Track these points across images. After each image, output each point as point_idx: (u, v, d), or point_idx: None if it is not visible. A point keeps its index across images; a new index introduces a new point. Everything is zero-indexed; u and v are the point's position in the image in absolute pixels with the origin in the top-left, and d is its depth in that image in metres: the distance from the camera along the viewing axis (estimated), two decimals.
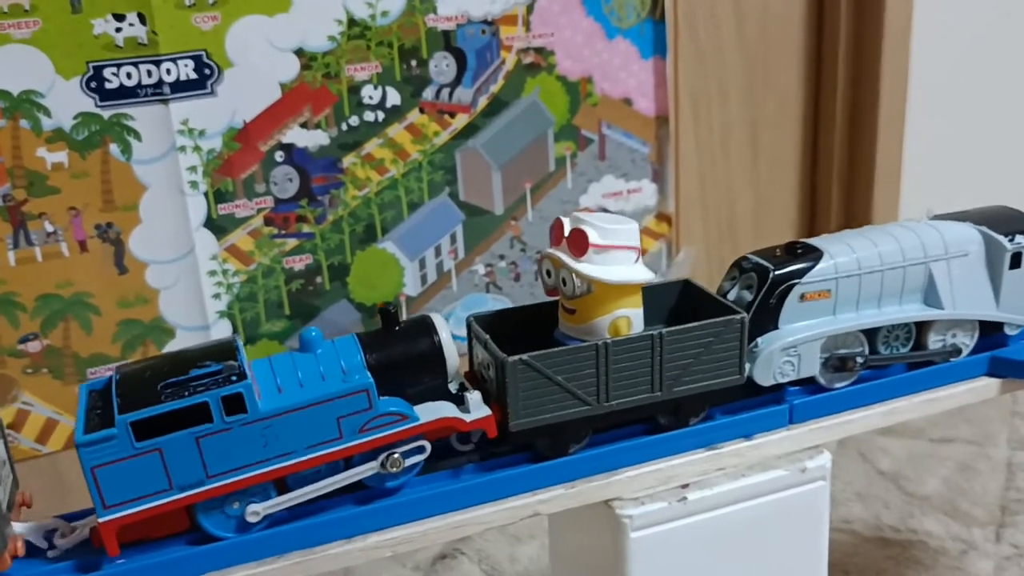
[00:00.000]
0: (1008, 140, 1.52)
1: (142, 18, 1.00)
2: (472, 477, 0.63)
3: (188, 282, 1.10)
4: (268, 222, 1.12)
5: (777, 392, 0.70)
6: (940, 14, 1.37)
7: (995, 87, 1.48)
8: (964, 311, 0.72)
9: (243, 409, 0.55)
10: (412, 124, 1.15)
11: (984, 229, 0.73)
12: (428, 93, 1.15)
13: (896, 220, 1.38)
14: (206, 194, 1.08)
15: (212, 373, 0.56)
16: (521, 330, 0.66)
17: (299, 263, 1.14)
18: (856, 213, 1.40)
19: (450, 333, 0.62)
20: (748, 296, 0.68)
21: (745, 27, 1.31)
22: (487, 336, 0.63)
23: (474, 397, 0.61)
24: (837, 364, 0.70)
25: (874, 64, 1.33)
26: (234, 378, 0.55)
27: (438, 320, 0.63)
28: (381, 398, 0.58)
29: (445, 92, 1.16)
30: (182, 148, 1.06)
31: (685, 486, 0.66)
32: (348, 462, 0.60)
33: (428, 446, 0.60)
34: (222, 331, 1.12)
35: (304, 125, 1.10)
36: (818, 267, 0.68)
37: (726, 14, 1.29)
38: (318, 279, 1.16)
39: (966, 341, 0.74)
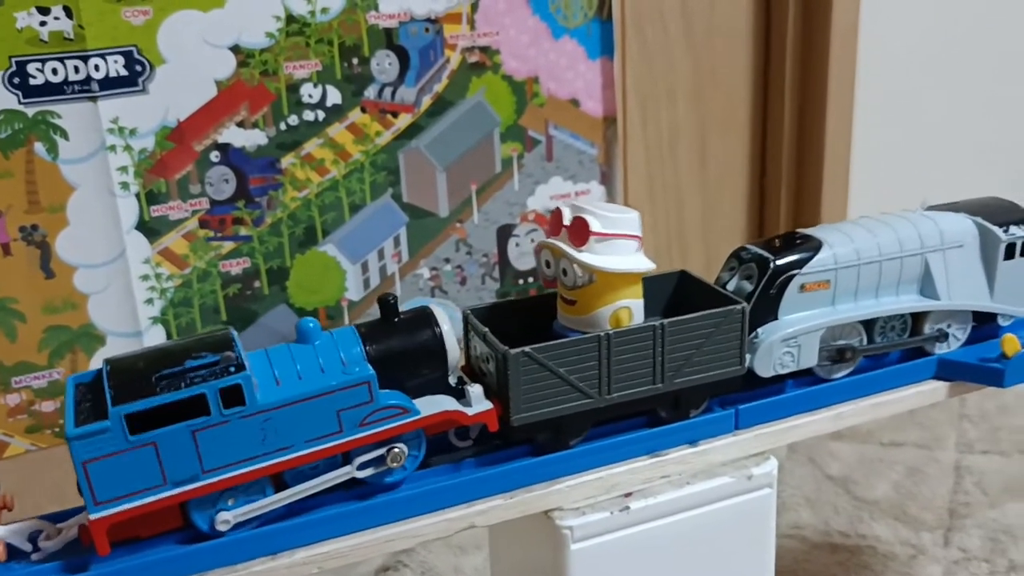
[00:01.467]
0: (956, 141, 1.53)
1: (68, 11, 0.96)
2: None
3: (119, 287, 1.05)
4: (203, 224, 1.08)
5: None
6: (887, 16, 1.37)
7: (942, 88, 1.49)
8: (960, 302, 0.72)
9: (241, 401, 0.53)
10: (353, 124, 1.12)
11: (979, 220, 0.73)
12: (370, 92, 1.12)
13: (844, 219, 1.38)
14: (138, 195, 1.04)
15: (209, 364, 0.53)
16: (518, 323, 0.65)
17: (236, 267, 1.11)
18: (804, 216, 1.40)
19: (451, 325, 0.61)
20: (748, 286, 0.67)
21: (693, 28, 1.30)
22: (486, 329, 0.61)
23: (475, 390, 0.60)
24: (835, 355, 0.69)
25: (821, 66, 1.32)
26: (232, 369, 0.53)
27: (438, 311, 0.61)
28: (381, 391, 0.57)
29: (388, 91, 1.13)
30: (112, 147, 1.01)
31: (628, 495, 0.64)
32: (347, 457, 0.58)
33: (405, 451, 0.58)
34: (155, 338, 1.08)
35: (241, 124, 1.07)
36: (818, 257, 0.67)
37: (673, 15, 1.28)
38: (256, 283, 1.12)
39: (960, 332, 0.74)
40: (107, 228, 1.04)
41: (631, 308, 0.62)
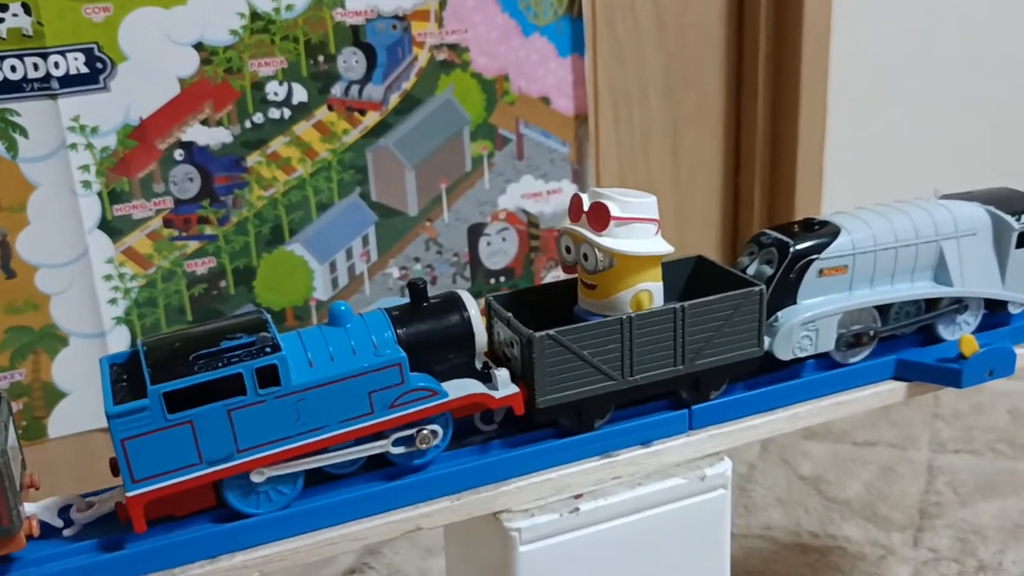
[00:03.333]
0: (929, 136, 1.52)
1: (27, 8, 0.95)
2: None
3: (82, 287, 1.04)
4: (168, 224, 1.07)
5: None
6: (859, 12, 1.37)
7: (915, 84, 1.48)
8: (972, 289, 0.73)
9: (277, 381, 0.54)
10: (320, 122, 1.11)
11: (992, 209, 0.74)
12: (337, 90, 1.11)
13: (818, 215, 1.37)
14: (100, 194, 1.03)
15: (245, 345, 0.54)
16: (539, 309, 0.65)
17: (201, 266, 1.09)
18: (778, 212, 1.39)
19: (478, 310, 0.61)
20: (768, 270, 0.68)
21: (665, 24, 1.29)
22: (509, 314, 0.62)
23: (502, 374, 0.60)
24: (851, 340, 0.70)
25: (794, 62, 1.31)
26: (268, 349, 0.54)
27: (466, 296, 0.61)
28: (411, 374, 0.57)
29: (355, 89, 1.12)
30: (73, 146, 1.00)
31: (578, 496, 0.63)
32: (376, 438, 0.59)
33: (440, 432, 0.60)
34: (119, 338, 1.07)
35: (205, 122, 1.06)
36: (836, 243, 0.68)
37: (645, 11, 1.27)
38: (222, 283, 1.11)
39: (971, 318, 0.75)
40: (69, 227, 1.02)
41: (651, 291, 0.63)
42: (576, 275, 0.65)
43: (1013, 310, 0.77)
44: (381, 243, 1.18)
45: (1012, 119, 1.60)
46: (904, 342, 0.74)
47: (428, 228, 1.21)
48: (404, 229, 1.20)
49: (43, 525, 0.56)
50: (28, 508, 0.56)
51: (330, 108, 1.11)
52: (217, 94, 1.05)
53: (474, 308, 0.61)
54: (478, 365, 0.62)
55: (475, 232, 1.24)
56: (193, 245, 1.09)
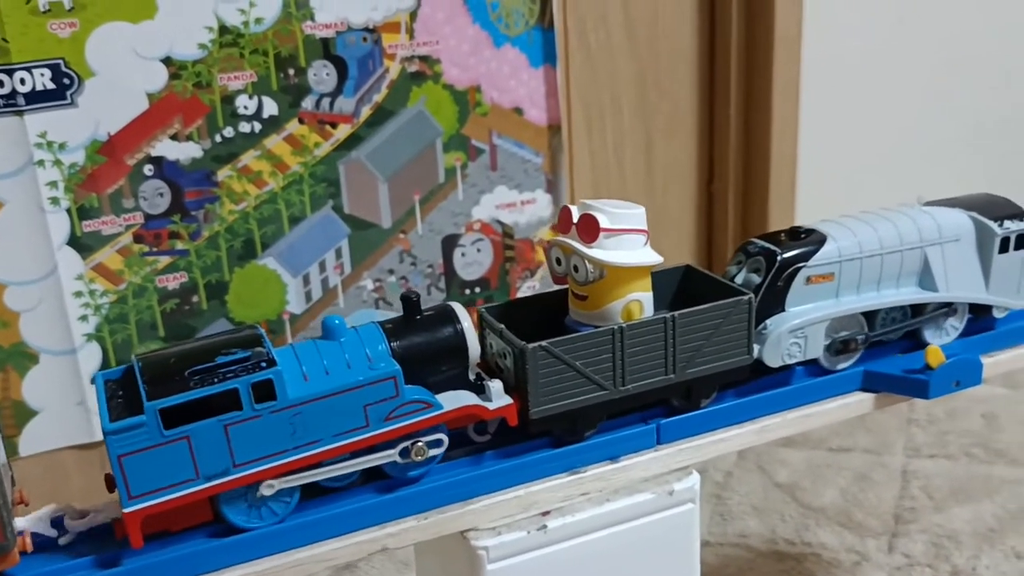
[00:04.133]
0: (901, 143, 1.53)
1: None
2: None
3: (51, 304, 1.04)
4: (138, 239, 1.06)
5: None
6: (829, 21, 1.38)
7: (887, 90, 1.49)
8: (957, 294, 0.74)
9: (273, 396, 0.54)
10: (291, 135, 1.11)
11: (974, 215, 0.75)
12: (307, 103, 1.11)
13: (792, 224, 1.38)
14: (69, 211, 1.02)
15: (241, 360, 0.54)
16: (530, 320, 0.66)
17: (173, 282, 1.09)
18: (752, 221, 1.39)
19: (471, 322, 0.62)
20: (756, 279, 0.69)
21: (637, 35, 1.29)
22: (502, 326, 0.62)
23: (495, 385, 0.61)
24: (840, 346, 0.71)
25: (766, 71, 1.32)
26: (264, 364, 0.54)
27: (459, 308, 0.62)
28: (405, 386, 0.58)
29: (326, 102, 1.12)
30: (40, 162, 1.00)
31: (546, 513, 0.63)
32: (371, 451, 0.59)
33: (446, 440, 0.60)
34: (91, 355, 1.06)
35: (175, 137, 1.05)
36: (823, 251, 0.69)
37: (617, 22, 1.27)
38: (194, 298, 1.10)
39: (956, 323, 0.76)
40: (38, 244, 1.02)
41: (642, 301, 0.64)
42: (566, 286, 0.66)
43: (998, 314, 0.78)
44: (355, 255, 1.18)
45: (985, 125, 1.61)
46: (891, 348, 0.75)
47: (402, 240, 1.21)
48: (378, 241, 1.19)
49: (37, 540, 0.57)
50: (20, 523, 0.56)
51: (301, 121, 1.11)
52: (186, 108, 1.05)
53: (467, 320, 0.62)
54: (471, 377, 0.63)
55: (449, 243, 1.24)
56: (164, 260, 1.08)
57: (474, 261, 1.26)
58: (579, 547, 0.63)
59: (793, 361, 0.69)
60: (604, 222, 0.61)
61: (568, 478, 0.64)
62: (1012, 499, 1.16)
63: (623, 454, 0.66)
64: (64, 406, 1.06)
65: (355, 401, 0.57)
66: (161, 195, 1.06)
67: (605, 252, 0.61)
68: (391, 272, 1.21)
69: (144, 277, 1.07)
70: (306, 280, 1.16)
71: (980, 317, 0.78)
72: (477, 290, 1.27)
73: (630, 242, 0.63)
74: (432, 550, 0.69)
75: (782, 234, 0.71)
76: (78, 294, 1.04)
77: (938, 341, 0.76)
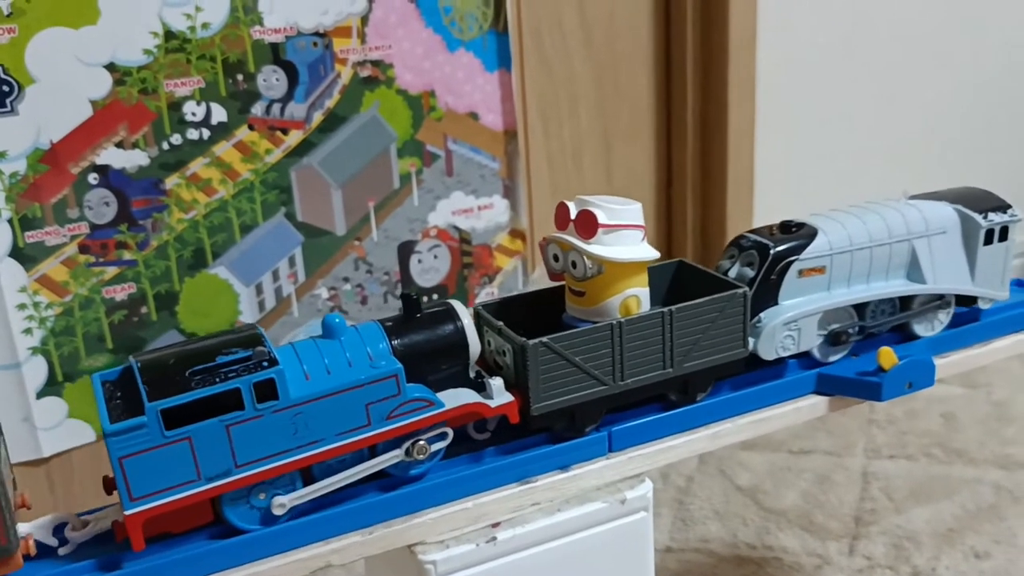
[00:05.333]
0: (858, 144, 1.54)
1: None
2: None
3: None
4: (84, 250, 1.04)
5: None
6: (785, 21, 1.38)
7: (842, 93, 1.49)
8: (944, 285, 0.75)
9: (274, 396, 0.54)
10: (241, 142, 1.09)
11: (959, 207, 0.76)
12: (257, 109, 1.09)
13: (751, 224, 1.38)
14: (10, 221, 0.99)
15: (242, 359, 0.54)
16: (527, 317, 0.65)
17: (121, 293, 1.06)
18: (711, 223, 1.39)
19: (471, 319, 0.62)
20: (750, 272, 0.70)
21: (592, 38, 1.29)
22: (501, 323, 0.62)
23: (496, 383, 0.61)
24: (832, 338, 0.71)
25: (721, 73, 1.32)
26: (265, 364, 0.54)
27: (459, 306, 0.62)
28: (407, 384, 0.58)
29: (276, 107, 1.10)
30: None
31: (496, 525, 0.61)
32: (373, 450, 0.59)
33: (450, 433, 0.60)
34: (36, 369, 1.03)
35: (120, 145, 1.03)
36: (814, 244, 0.70)
37: (572, 25, 1.26)
38: (143, 309, 1.08)
39: (944, 315, 0.77)
40: None
41: (639, 296, 0.64)
42: (563, 283, 0.66)
43: (983, 305, 0.79)
44: (308, 264, 1.16)
45: (942, 122, 1.62)
46: (881, 340, 0.76)
47: (357, 247, 1.19)
48: (332, 249, 1.17)
49: (38, 545, 0.56)
50: (23, 528, 0.55)
51: (251, 128, 1.09)
52: (132, 115, 1.03)
53: (467, 318, 0.62)
54: (471, 374, 0.63)
55: (405, 250, 1.22)
56: (111, 271, 1.05)
57: (431, 268, 1.24)
58: (530, 559, 0.62)
59: (787, 354, 0.70)
60: (602, 218, 0.62)
61: (518, 488, 0.62)
62: (971, 499, 1.16)
63: (574, 463, 0.64)
64: (8, 422, 1.03)
65: (357, 400, 0.56)
66: (107, 204, 1.04)
67: (603, 248, 0.62)
68: (346, 280, 1.19)
69: (90, 288, 1.05)
70: (259, 289, 1.14)
71: (966, 308, 0.79)
72: (435, 297, 1.25)
73: (628, 238, 0.63)
74: (382, 564, 0.67)
75: (773, 228, 0.72)
76: (21, 307, 1.02)
77: (927, 333, 0.77)
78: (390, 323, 0.60)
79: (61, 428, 1.06)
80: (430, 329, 0.61)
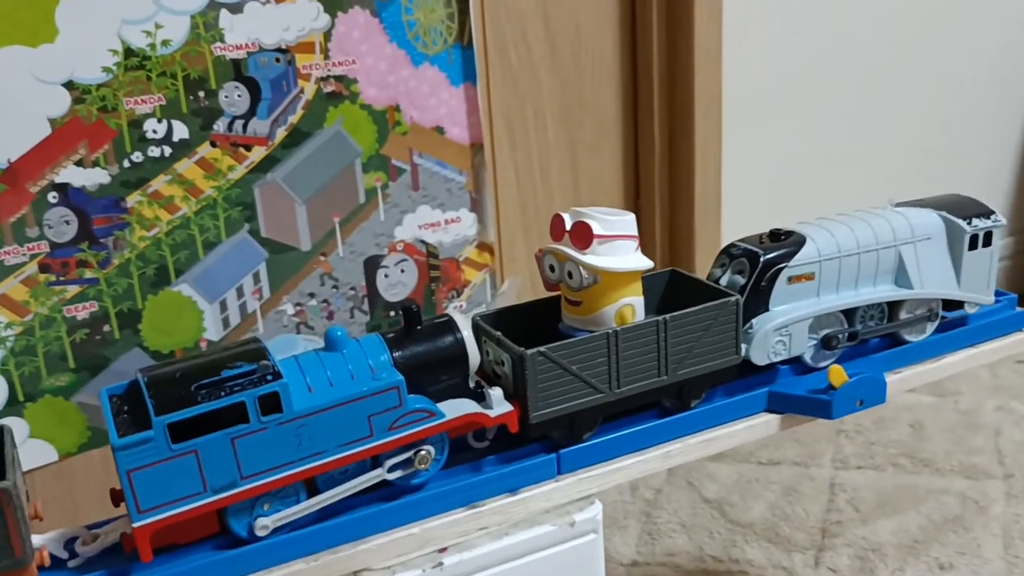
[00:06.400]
0: (825, 154, 1.54)
1: None
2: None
3: None
4: (44, 269, 1.03)
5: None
6: (750, 33, 1.38)
7: (809, 103, 1.50)
8: (931, 290, 0.77)
9: (279, 408, 0.55)
10: (203, 158, 1.08)
11: (944, 214, 0.78)
12: (219, 125, 1.09)
13: (719, 239, 1.38)
14: None
15: (246, 373, 0.55)
16: (522, 327, 0.67)
17: (83, 311, 1.06)
18: (680, 234, 1.39)
19: (471, 330, 0.63)
20: (741, 280, 0.71)
21: (558, 51, 1.29)
22: (499, 333, 0.64)
23: (495, 393, 0.62)
24: (823, 343, 0.73)
25: (687, 84, 1.32)
26: (270, 377, 0.55)
27: (459, 318, 0.63)
28: (408, 396, 0.59)
29: (239, 124, 1.10)
30: None
31: (443, 550, 0.61)
32: (375, 460, 0.60)
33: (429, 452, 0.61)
34: None
35: (80, 163, 1.02)
36: (803, 251, 0.72)
37: (537, 38, 1.27)
38: (106, 327, 1.07)
39: (930, 327, 0.79)
40: None
41: (634, 305, 0.65)
42: (559, 293, 0.67)
43: (969, 310, 0.81)
44: (273, 280, 1.16)
45: (909, 131, 1.63)
46: (870, 345, 0.78)
47: (322, 263, 1.19)
48: (297, 264, 1.17)
49: (51, 557, 0.58)
50: (36, 539, 0.57)
51: (213, 144, 1.09)
52: (92, 134, 1.02)
53: (467, 329, 0.63)
54: (471, 384, 0.64)
55: (372, 265, 1.22)
56: (73, 290, 1.05)
57: (398, 282, 1.24)
58: None
59: (779, 359, 0.71)
60: (597, 229, 0.63)
61: (465, 513, 0.62)
62: (936, 509, 1.16)
63: (522, 486, 0.64)
64: None
65: (359, 411, 0.58)
66: (67, 223, 1.03)
67: (599, 258, 0.63)
68: (312, 296, 1.19)
69: (51, 307, 1.04)
70: (223, 306, 1.14)
71: (952, 312, 0.81)
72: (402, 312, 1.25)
73: (622, 248, 0.64)
74: None
75: (763, 237, 0.74)
76: None
77: (915, 338, 0.79)
78: (391, 335, 0.62)
79: (22, 449, 1.05)
80: (430, 341, 0.62)
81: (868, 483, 1.23)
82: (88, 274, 1.05)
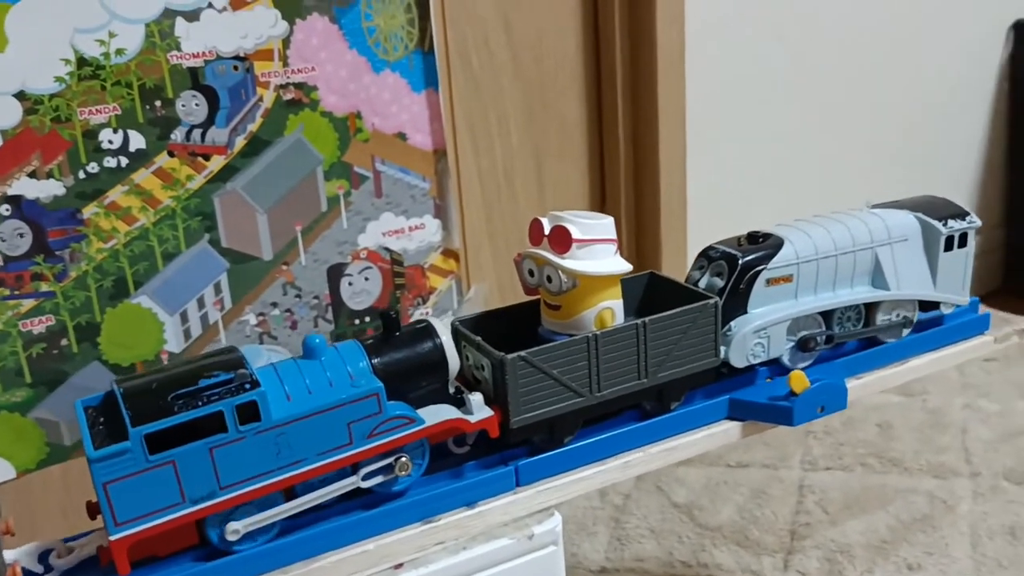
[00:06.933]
0: (789, 159, 1.54)
1: None
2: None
3: None
4: None
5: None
6: (713, 38, 1.38)
7: (772, 109, 1.50)
8: (907, 291, 0.77)
9: (257, 417, 0.55)
10: (161, 168, 1.07)
11: (920, 215, 0.79)
12: (177, 135, 1.07)
13: (685, 244, 1.38)
14: None
15: (224, 382, 0.55)
16: (502, 332, 0.67)
17: (39, 325, 1.04)
18: (647, 238, 1.39)
19: (450, 336, 0.63)
20: (719, 283, 0.71)
21: (520, 56, 1.28)
22: (479, 338, 0.64)
23: (476, 398, 0.62)
24: (800, 345, 0.73)
25: (651, 89, 1.32)
26: (247, 386, 0.55)
27: (437, 323, 0.63)
28: (388, 402, 0.59)
29: (197, 133, 1.08)
30: None
31: (399, 566, 0.61)
32: (355, 468, 0.60)
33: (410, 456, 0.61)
34: None
35: (33, 175, 1.00)
36: (781, 253, 0.72)
37: (499, 44, 1.26)
38: (63, 341, 1.05)
39: (906, 332, 0.79)
40: None
41: (613, 309, 0.66)
42: (538, 297, 0.68)
43: (945, 310, 0.81)
44: (235, 290, 1.14)
45: (871, 134, 1.63)
46: (848, 346, 0.78)
47: (285, 272, 1.17)
48: (259, 274, 1.16)
49: (24, 572, 0.57)
50: (9, 555, 0.56)
51: (171, 154, 1.07)
52: (45, 145, 1.00)
53: (446, 335, 0.63)
54: (451, 390, 0.64)
55: (335, 273, 1.21)
56: (28, 303, 1.03)
57: (362, 290, 1.23)
58: None
59: (758, 361, 0.71)
60: (576, 233, 0.63)
61: (422, 527, 0.62)
62: (904, 509, 1.17)
63: (480, 499, 0.64)
64: None
65: (339, 419, 0.57)
66: (21, 235, 1.01)
67: (578, 262, 0.63)
68: (275, 305, 1.18)
69: (6, 322, 1.02)
70: (184, 317, 1.12)
71: (929, 312, 0.81)
72: (367, 319, 1.24)
73: (601, 252, 0.64)
74: None
75: (741, 239, 0.74)
76: None
77: (893, 339, 0.79)
78: (370, 342, 0.62)
79: None
80: (409, 347, 0.62)
81: (837, 484, 1.23)
82: (44, 287, 1.03)
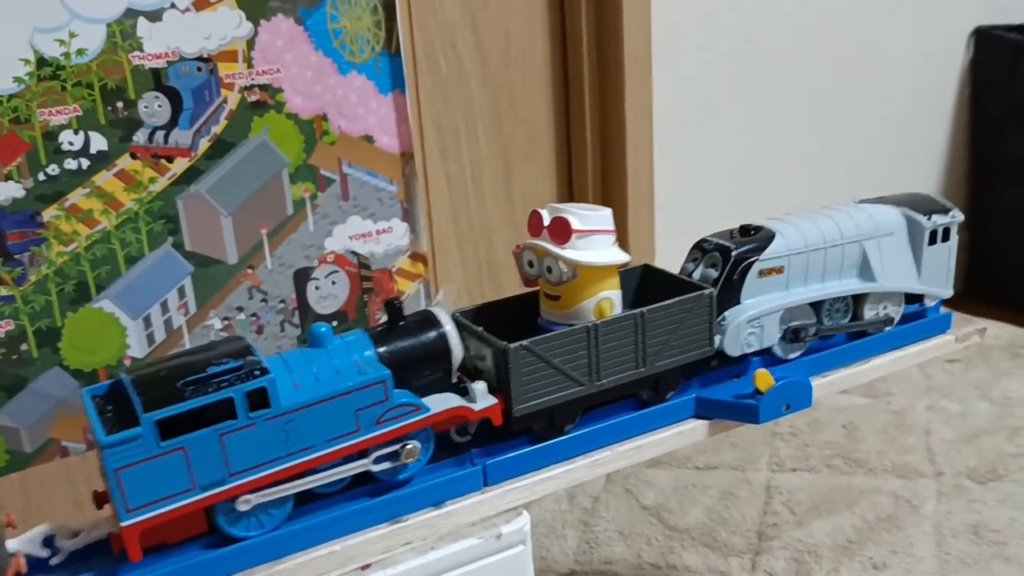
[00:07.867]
0: (755, 161, 1.56)
1: None
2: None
3: None
4: None
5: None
6: (679, 42, 1.39)
7: (738, 111, 1.51)
8: (893, 284, 0.79)
9: (266, 404, 0.55)
10: (123, 171, 1.06)
11: (905, 210, 0.81)
12: (140, 137, 1.06)
13: (653, 246, 1.38)
14: None
15: (233, 369, 0.55)
16: (501, 323, 0.67)
17: None
18: None
19: (453, 324, 0.64)
20: (713, 274, 0.73)
21: (488, 59, 1.28)
22: (480, 328, 0.64)
23: (479, 387, 0.63)
24: (792, 335, 0.75)
25: (618, 91, 1.32)
26: (257, 373, 0.55)
27: (440, 313, 0.64)
28: (394, 390, 0.59)
29: (160, 135, 1.07)
30: None
31: (366, 567, 0.60)
32: (362, 455, 0.60)
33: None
34: None
35: None
36: (772, 245, 0.74)
37: (467, 46, 1.26)
38: (23, 346, 1.04)
39: (894, 312, 0.81)
40: None
41: (612, 299, 0.67)
42: (537, 288, 0.69)
43: (928, 303, 0.83)
44: (199, 294, 1.13)
45: (838, 135, 1.65)
46: (837, 339, 0.80)
47: (250, 276, 1.16)
48: (224, 278, 1.14)
49: (31, 561, 0.56)
50: (11, 545, 0.56)
51: (133, 156, 1.06)
52: (4, 146, 0.99)
53: (450, 324, 0.63)
54: (454, 379, 0.64)
55: (302, 277, 1.20)
56: None
57: (329, 294, 1.22)
58: None
59: (751, 350, 0.73)
60: (575, 224, 0.64)
61: (389, 528, 0.61)
62: (869, 509, 1.18)
63: (448, 499, 0.63)
64: None
65: (346, 406, 0.58)
66: None
67: (577, 252, 0.64)
68: (240, 310, 1.16)
69: None
70: (147, 322, 1.11)
71: (913, 305, 0.83)
72: (334, 323, 1.23)
73: (600, 242, 0.65)
74: None
75: (733, 232, 0.76)
76: None
77: (878, 331, 0.81)
78: (376, 331, 0.62)
79: None
80: (414, 336, 0.62)
81: (803, 485, 1.24)
82: (3, 291, 1.02)
